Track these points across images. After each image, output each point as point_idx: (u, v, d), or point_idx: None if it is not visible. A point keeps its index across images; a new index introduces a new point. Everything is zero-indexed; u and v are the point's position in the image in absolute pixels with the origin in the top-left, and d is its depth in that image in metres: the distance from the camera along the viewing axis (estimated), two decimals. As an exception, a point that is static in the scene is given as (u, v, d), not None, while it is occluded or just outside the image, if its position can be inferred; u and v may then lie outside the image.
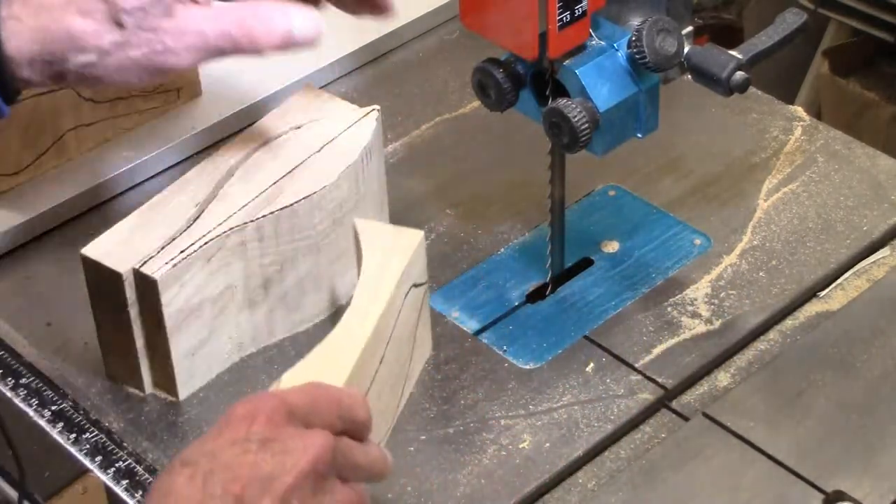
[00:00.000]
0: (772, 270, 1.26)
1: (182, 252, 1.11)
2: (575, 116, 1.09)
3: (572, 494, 1.11)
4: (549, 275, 1.25)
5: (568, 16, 1.08)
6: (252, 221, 1.14)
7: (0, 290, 1.28)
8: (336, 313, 1.21)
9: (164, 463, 1.12)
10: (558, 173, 1.20)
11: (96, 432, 1.15)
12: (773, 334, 1.22)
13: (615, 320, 1.22)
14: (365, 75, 1.48)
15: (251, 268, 1.16)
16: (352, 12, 1.17)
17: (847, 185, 1.34)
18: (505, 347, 1.21)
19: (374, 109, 1.23)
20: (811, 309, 1.24)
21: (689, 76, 1.13)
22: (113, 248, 1.12)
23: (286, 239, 1.16)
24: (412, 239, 1.15)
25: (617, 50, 1.12)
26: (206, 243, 1.12)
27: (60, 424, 1.16)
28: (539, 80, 1.14)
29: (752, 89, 1.20)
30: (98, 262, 1.11)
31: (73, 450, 1.14)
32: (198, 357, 1.16)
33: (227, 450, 0.89)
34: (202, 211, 1.15)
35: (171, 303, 1.11)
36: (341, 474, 0.93)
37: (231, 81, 1.41)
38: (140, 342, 1.14)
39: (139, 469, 1.12)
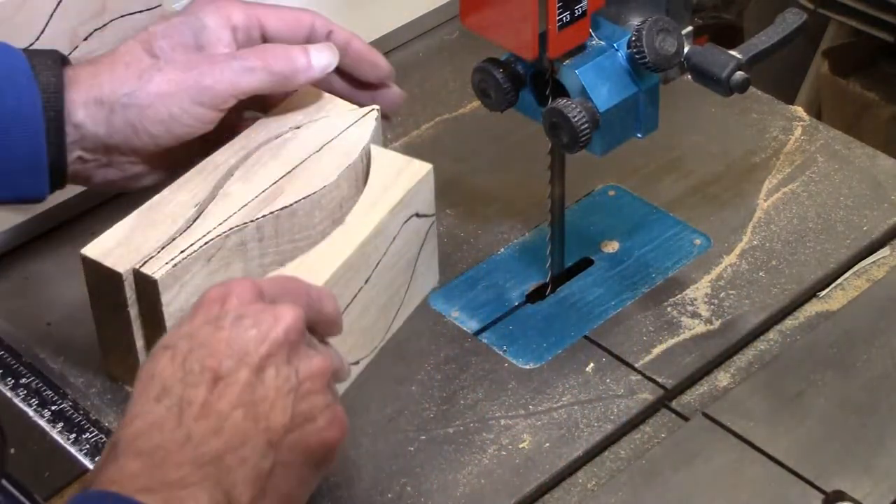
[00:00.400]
0: (772, 270, 1.26)
1: (182, 252, 1.11)
2: (575, 116, 1.09)
3: (572, 494, 1.11)
4: (549, 275, 1.25)
5: (568, 16, 1.08)
6: (252, 221, 1.14)
7: (0, 290, 1.28)
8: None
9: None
10: (558, 173, 1.20)
11: (96, 432, 1.15)
12: (773, 334, 1.22)
13: (615, 320, 1.22)
14: (365, 75, 1.48)
15: (251, 268, 1.16)
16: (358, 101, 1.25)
17: (847, 185, 1.34)
18: (505, 347, 1.21)
19: (373, 109, 1.23)
20: (811, 309, 1.24)
21: (689, 76, 1.13)
22: (113, 248, 1.12)
23: (286, 239, 1.16)
24: (419, 170, 1.19)
25: (617, 50, 1.12)
26: (206, 243, 1.12)
27: (60, 424, 1.16)
28: (539, 80, 1.14)
29: (752, 89, 1.20)
30: (98, 262, 1.11)
31: (73, 450, 1.14)
32: (198, 357, 1.16)
33: (202, 329, 0.94)
34: (202, 211, 1.15)
35: (172, 303, 1.11)
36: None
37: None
38: (140, 342, 1.14)
39: (139, 469, 1.12)
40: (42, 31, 1.30)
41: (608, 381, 1.17)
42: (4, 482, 1.17)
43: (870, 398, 1.15)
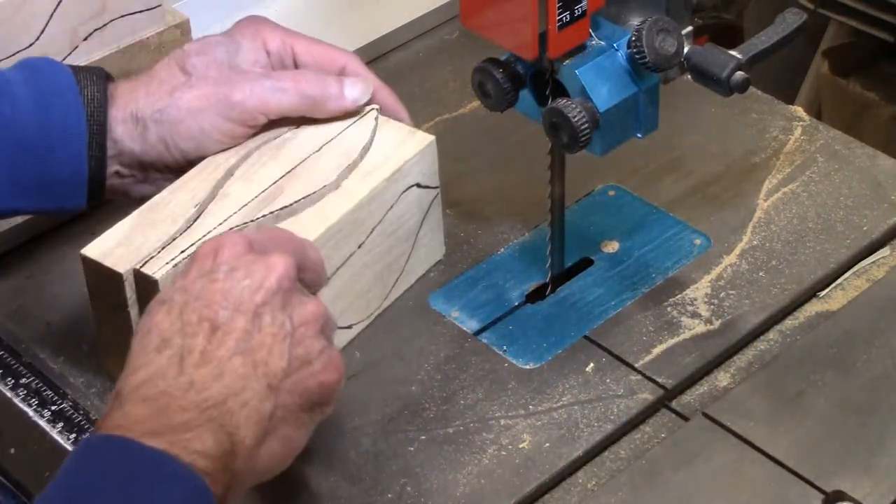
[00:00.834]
0: (772, 270, 1.26)
1: (182, 252, 1.11)
2: (575, 116, 1.09)
3: (572, 494, 1.11)
4: (549, 275, 1.25)
5: (568, 16, 1.08)
6: (252, 221, 1.14)
7: (0, 290, 1.28)
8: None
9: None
10: (558, 173, 1.20)
11: (96, 432, 1.15)
12: (773, 334, 1.22)
13: (615, 320, 1.22)
14: (365, 75, 1.48)
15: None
16: None
17: (847, 185, 1.34)
18: (505, 347, 1.21)
19: (373, 108, 1.23)
20: (811, 309, 1.24)
21: (689, 76, 1.13)
22: (113, 248, 1.12)
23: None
24: (421, 141, 1.21)
25: (617, 50, 1.12)
26: (206, 243, 1.12)
27: (60, 424, 1.16)
28: (539, 80, 1.14)
29: (752, 89, 1.20)
30: (98, 262, 1.11)
31: (73, 450, 1.14)
32: (198, 357, 1.16)
33: (196, 283, 0.98)
34: (202, 211, 1.15)
35: (172, 303, 1.11)
36: None
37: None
38: (140, 342, 1.14)
39: (139, 469, 1.12)
40: (42, 31, 1.30)
41: (608, 381, 1.17)
42: (4, 481, 1.17)
43: (870, 398, 1.15)
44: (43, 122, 1.13)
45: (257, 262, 0.99)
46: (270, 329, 0.97)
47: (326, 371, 0.99)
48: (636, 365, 1.18)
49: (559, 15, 1.07)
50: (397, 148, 1.20)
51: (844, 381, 1.16)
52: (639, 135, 1.15)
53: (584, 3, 1.09)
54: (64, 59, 1.31)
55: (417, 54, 1.52)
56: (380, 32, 1.50)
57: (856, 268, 1.27)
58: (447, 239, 1.29)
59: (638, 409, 1.15)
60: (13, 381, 1.20)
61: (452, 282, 1.26)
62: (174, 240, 1.12)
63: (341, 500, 1.10)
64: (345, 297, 1.17)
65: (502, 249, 1.29)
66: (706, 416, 1.14)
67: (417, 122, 1.41)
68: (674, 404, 1.17)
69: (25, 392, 1.19)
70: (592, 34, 1.12)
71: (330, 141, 1.20)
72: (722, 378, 1.19)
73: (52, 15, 1.30)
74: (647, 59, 1.10)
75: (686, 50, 1.12)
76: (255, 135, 1.20)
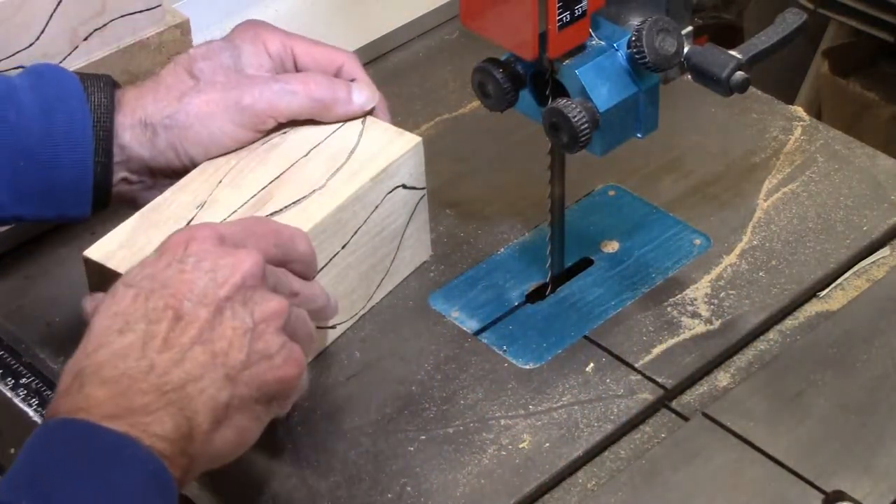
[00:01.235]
0: (772, 270, 1.26)
1: (182, 252, 1.11)
2: (575, 116, 1.09)
3: (572, 494, 1.11)
4: (549, 275, 1.25)
5: (568, 16, 1.08)
6: None
7: (0, 290, 1.28)
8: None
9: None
10: (558, 173, 1.20)
11: (96, 432, 1.15)
12: (773, 334, 1.22)
13: (615, 320, 1.22)
14: (365, 75, 1.48)
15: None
16: None
17: (847, 185, 1.34)
18: (505, 347, 1.21)
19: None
20: (811, 309, 1.24)
21: (689, 76, 1.13)
22: (116, 250, 1.12)
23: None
24: (408, 142, 1.21)
25: (617, 50, 1.12)
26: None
27: (60, 424, 1.16)
28: (539, 80, 1.14)
29: (752, 89, 1.20)
30: (101, 263, 1.11)
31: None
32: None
33: (164, 271, 0.99)
34: (196, 216, 1.15)
35: (172, 303, 1.11)
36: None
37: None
38: (140, 342, 1.14)
39: (139, 469, 1.12)
40: (42, 31, 1.30)
41: (608, 381, 1.17)
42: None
43: (870, 398, 1.15)
44: (48, 128, 1.13)
45: (226, 256, 1.00)
46: (231, 323, 0.98)
47: (286, 366, 1.00)
48: (636, 365, 1.18)
49: (559, 15, 1.07)
50: (384, 148, 1.20)
51: (844, 381, 1.16)
52: (639, 135, 1.15)
53: (584, 3, 1.09)
54: (64, 59, 1.31)
55: (417, 54, 1.52)
56: (380, 32, 1.50)
57: (856, 268, 1.27)
58: (447, 239, 1.29)
59: (638, 409, 1.15)
60: (13, 381, 1.20)
61: (452, 282, 1.26)
62: (174, 240, 1.12)
63: (341, 500, 1.10)
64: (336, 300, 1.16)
65: (502, 249, 1.29)
66: (706, 416, 1.14)
67: (417, 122, 1.42)
68: (674, 404, 1.17)
69: (25, 392, 1.19)
70: (592, 34, 1.12)
71: (318, 145, 1.20)
72: (722, 378, 1.19)
73: (52, 15, 1.30)
74: (647, 59, 1.10)
75: (686, 50, 1.12)
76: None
